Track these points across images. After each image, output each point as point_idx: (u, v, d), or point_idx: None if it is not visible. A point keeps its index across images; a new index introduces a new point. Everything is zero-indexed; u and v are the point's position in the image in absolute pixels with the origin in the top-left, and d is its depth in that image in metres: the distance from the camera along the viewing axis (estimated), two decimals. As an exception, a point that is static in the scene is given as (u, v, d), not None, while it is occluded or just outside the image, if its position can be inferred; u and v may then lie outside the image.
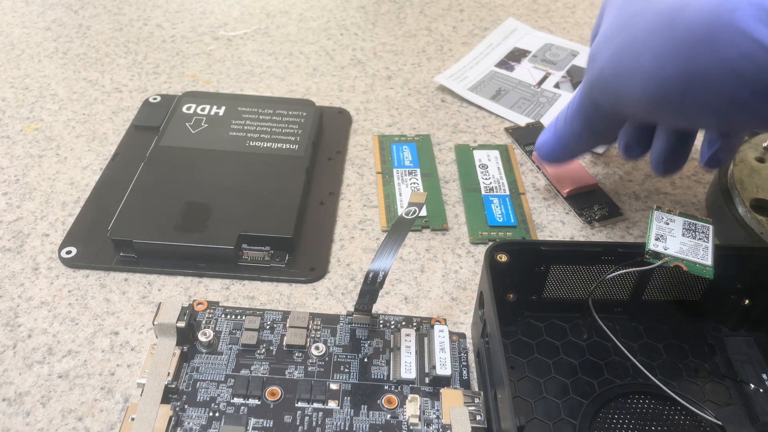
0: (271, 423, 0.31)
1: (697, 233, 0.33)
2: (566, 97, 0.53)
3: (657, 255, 0.32)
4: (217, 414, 0.31)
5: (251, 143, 0.45)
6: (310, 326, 0.35)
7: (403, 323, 0.35)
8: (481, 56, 0.58)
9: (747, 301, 0.35)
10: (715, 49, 0.26)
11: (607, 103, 0.34)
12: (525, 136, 0.49)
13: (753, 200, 0.40)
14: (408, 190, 0.45)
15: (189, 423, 0.30)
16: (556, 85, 0.55)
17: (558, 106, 0.53)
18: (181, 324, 0.32)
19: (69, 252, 0.39)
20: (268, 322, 0.35)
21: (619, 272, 0.33)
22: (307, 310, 0.36)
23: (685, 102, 0.29)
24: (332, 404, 0.31)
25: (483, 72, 0.56)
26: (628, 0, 0.31)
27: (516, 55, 0.58)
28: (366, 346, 0.34)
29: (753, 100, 0.27)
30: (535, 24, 0.63)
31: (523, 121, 0.51)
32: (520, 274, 0.34)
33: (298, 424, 0.31)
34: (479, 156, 0.47)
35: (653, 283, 0.35)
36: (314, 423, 0.31)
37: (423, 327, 0.35)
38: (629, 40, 0.30)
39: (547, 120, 0.51)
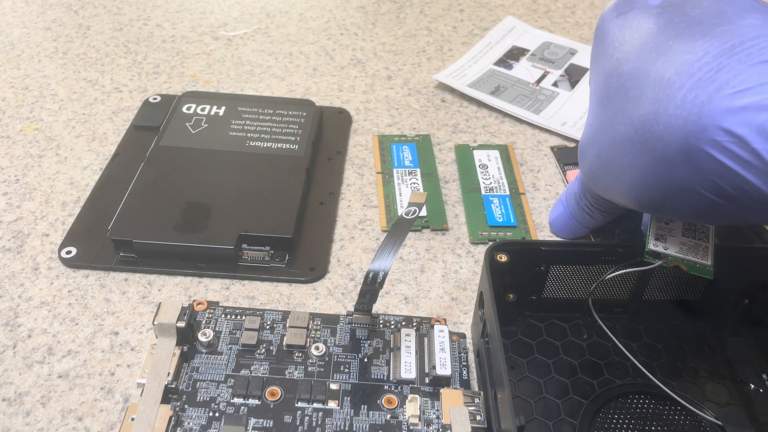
0: (271, 423, 0.31)
1: (697, 233, 0.33)
2: (564, 96, 0.53)
3: (657, 255, 0.32)
4: (217, 414, 0.31)
5: (251, 143, 0.45)
6: (310, 326, 0.35)
7: (403, 323, 0.35)
8: (479, 55, 0.58)
9: (747, 301, 0.35)
10: (689, 164, 0.26)
11: (602, 194, 0.34)
12: (569, 156, 0.47)
13: (753, 200, 0.40)
14: (408, 190, 0.45)
15: (189, 423, 0.30)
16: (555, 84, 0.55)
17: (556, 103, 0.53)
18: (181, 324, 0.32)
19: (69, 252, 0.39)
20: (268, 322, 0.35)
21: (619, 272, 0.33)
22: (307, 310, 0.36)
23: (666, 206, 0.29)
24: (332, 404, 0.31)
25: (482, 70, 0.56)
26: (606, 99, 0.30)
27: (514, 54, 0.58)
28: (366, 346, 0.34)
29: (732, 207, 0.27)
30: (535, 24, 0.63)
31: (523, 114, 0.51)
32: (520, 274, 0.34)
33: (298, 424, 0.31)
34: (479, 156, 0.47)
35: (653, 283, 0.35)
36: (314, 423, 0.31)
37: (423, 327, 0.35)
38: (611, 142, 0.30)
39: (545, 116, 0.51)
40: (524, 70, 0.56)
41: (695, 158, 0.26)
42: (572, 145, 0.49)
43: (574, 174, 0.45)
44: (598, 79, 0.31)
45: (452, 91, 0.54)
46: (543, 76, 0.56)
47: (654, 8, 0.29)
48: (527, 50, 0.59)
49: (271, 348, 0.34)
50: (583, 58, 0.58)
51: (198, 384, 0.32)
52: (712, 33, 0.26)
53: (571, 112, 0.52)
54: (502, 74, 0.56)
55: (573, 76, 0.56)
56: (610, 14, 0.31)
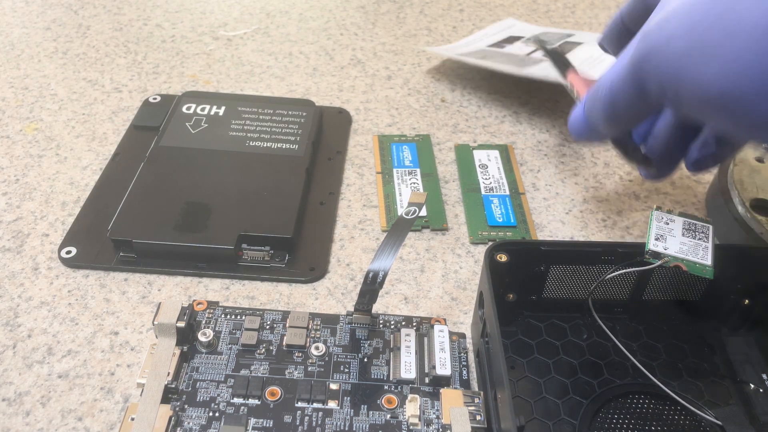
0: (271, 423, 0.31)
1: (697, 233, 0.33)
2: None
3: (657, 255, 0.32)
4: (217, 414, 0.31)
5: (251, 143, 0.45)
6: (310, 326, 0.35)
7: (403, 323, 0.35)
8: (473, 42, 0.58)
9: (747, 301, 0.35)
10: None
11: (658, 80, 0.29)
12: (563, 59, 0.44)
13: (753, 200, 0.40)
14: (408, 190, 0.45)
15: (189, 423, 0.30)
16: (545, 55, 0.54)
17: (546, 65, 0.50)
18: (181, 324, 0.32)
19: (69, 252, 0.39)
20: (268, 322, 0.35)
21: (619, 272, 0.33)
22: (307, 310, 0.36)
23: (751, 109, 0.25)
24: (332, 404, 0.31)
25: (474, 50, 0.56)
26: None
27: (510, 40, 0.58)
28: (366, 346, 0.34)
29: None
30: (534, 24, 0.63)
31: (511, 69, 0.50)
32: (520, 274, 0.34)
33: (298, 424, 0.31)
34: (479, 156, 0.47)
35: (653, 283, 0.35)
36: (314, 423, 0.31)
37: (423, 327, 0.35)
38: (723, 11, 0.25)
39: (531, 71, 0.50)
40: (517, 49, 0.56)
41: None
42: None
43: (574, 76, 0.40)
44: None
45: (452, 90, 0.54)
46: (534, 51, 0.55)
47: None
48: (522, 37, 0.59)
49: (271, 348, 0.34)
50: (577, 38, 0.56)
51: (198, 384, 0.32)
52: None
53: (557, 74, 0.50)
54: (494, 51, 0.56)
55: (565, 49, 0.55)
56: None
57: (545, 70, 0.50)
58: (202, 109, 0.48)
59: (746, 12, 0.25)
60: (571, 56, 0.53)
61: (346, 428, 0.31)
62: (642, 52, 0.29)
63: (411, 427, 0.31)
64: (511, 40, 0.58)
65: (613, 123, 0.33)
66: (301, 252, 0.40)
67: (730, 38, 0.25)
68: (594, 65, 0.52)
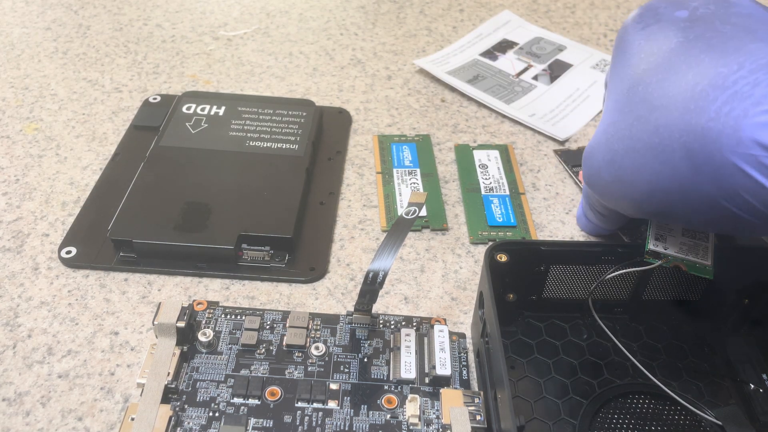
0: (271, 423, 0.31)
1: (697, 233, 0.33)
2: (541, 89, 0.54)
3: (657, 255, 0.32)
4: (217, 414, 0.31)
5: (251, 143, 0.45)
6: (310, 326, 0.35)
7: (403, 323, 0.35)
8: (467, 45, 0.59)
9: (747, 301, 0.35)
10: (718, 177, 0.26)
11: (606, 201, 0.34)
12: (573, 158, 0.47)
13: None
14: (408, 190, 0.45)
15: (189, 423, 0.30)
16: (535, 77, 0.55)
17: (531, 96, 0.53)
18: (181, 324, 0.32)
19: (69, 252, 0.39)
20: (268, 322, 0.35)
21: (619, 272, 0.33)
22: (307, 310, 0.36)
23: (677, 215, 0.29)
24: (332, 404, 0.31)
25: (465, 59, 0.56)
26: (627, 106, 0.30)
27: (502, 47, 0.59)
28: (366, 346, 0.34)
29: (750, 220, 0.27)
30: (534, 24, 0.63)
31: (493, 103, 0.52)
32: (520, 274, 0.34)
33: (298, 424, 0.31)
34: (479, 156, 0.47)
35: (653, 283, 0.35)
36: (314, 423, 0.31)
37: (423, 327, 0.35)
38: (628, 150, 0.30)
39: (516, 107, 0.52)
40: (508, 62, 0.57)
41: (725, 172, 0.26)
42: (574, 148, 0.49)
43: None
44: (620, 87, 0.31)
45: (452, 90, 0.54)
46: (525, 69, 0.56)
47: (682, 21, 0.29)
48: (516, 44, 0.59)
49: (271, 348, 0.34)
50: (569, 54, 0.58)
51: (198, 384, 0.32)
52: (746, 49, 0.26)
53: (542, 105, 0.52)
54: (485, 64, 0.56)
55: (555, 71, 0.56)
56: (634, 26, 0.31)
57: (529, 108, 0.52)
58: (202, 109, 0.48)
59: (645, 151, 0.29)
60: (559, 85, 0.54)
61: (346, 428, 0.31)
62: (587, 179, 0.34)
63: (411, 427, 0.31)
64: (504, 47, 0.58)
65: (602, 221, 0.39)
66: (301, 252, 0.40)
67: (638, 171, 0.29)
68: (579, 102, 0.53)
